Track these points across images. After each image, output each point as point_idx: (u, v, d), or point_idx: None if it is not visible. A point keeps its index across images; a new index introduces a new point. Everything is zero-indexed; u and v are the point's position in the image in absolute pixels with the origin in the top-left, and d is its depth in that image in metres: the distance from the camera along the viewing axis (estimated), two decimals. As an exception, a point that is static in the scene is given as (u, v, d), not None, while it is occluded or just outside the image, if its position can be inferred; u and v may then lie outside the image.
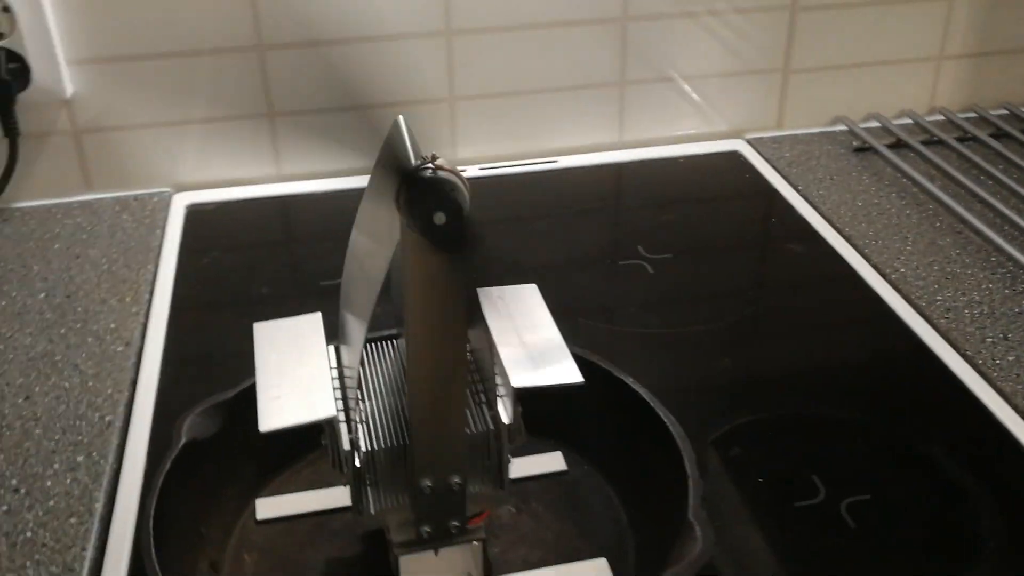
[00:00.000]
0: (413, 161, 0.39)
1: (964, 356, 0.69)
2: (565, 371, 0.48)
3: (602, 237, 0.86)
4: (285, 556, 0.54)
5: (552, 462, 0.60)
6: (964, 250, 0.81)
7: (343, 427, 0.47)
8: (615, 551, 0.55)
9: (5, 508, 0.57)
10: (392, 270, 0.45)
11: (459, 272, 0.40)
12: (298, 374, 0.47)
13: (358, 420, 0.48)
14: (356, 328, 0.48)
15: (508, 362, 0.48)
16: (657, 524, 0.54)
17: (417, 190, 0.38)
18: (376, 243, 0.45)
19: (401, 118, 0.45)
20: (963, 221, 0.84)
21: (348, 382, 0.49)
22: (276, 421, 0.44)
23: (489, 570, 0.53)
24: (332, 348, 0.51)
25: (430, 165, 0.38)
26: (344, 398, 0.48)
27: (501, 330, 0.50)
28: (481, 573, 0.51)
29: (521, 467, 0.59)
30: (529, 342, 0.49)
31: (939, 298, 0.75)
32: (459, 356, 0.43)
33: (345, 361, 0.50)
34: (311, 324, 0.51)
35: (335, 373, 0.49)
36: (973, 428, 0.64)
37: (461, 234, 0.38)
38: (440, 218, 0.38)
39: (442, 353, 0.43)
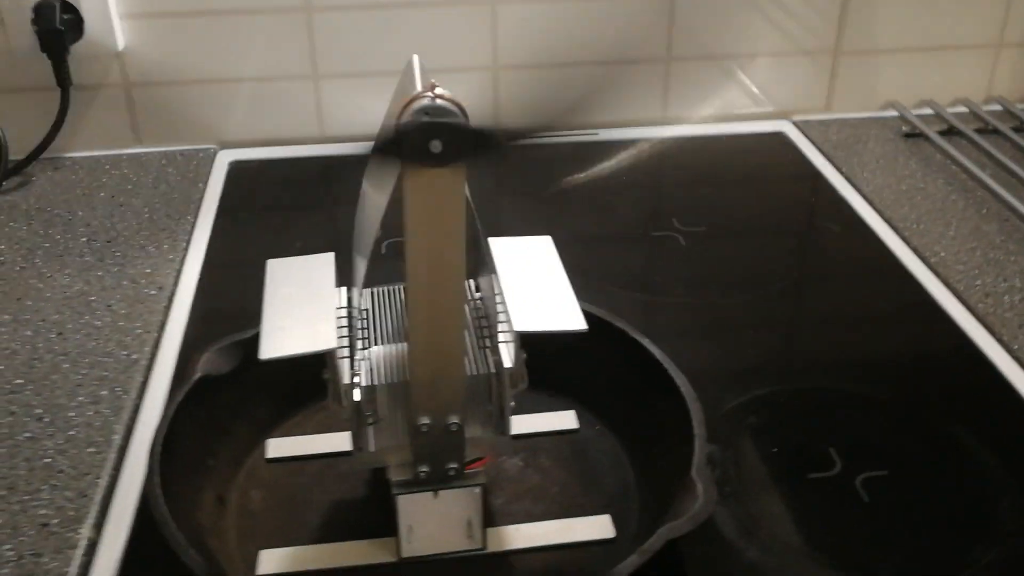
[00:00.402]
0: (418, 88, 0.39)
1: (999, 340, 0.67)
2: (569, 317, 0.47)
3: (637, 209, 0.86)
4: (292, 494, 0.55)
5: (564, 420, 0.60)
6: (1010, 237, 0.79)
7: (345, 363, 0.47)
8: (620, 508, 0.54)
9: (28, 434, 0.59)
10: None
11: (455, 186, 0.40)
12: (304, 309, 0.48)
13: (360, 358, 0.48)
14: (360, 268, 0.48)
15: (513, 306, 0.48)
16: (663, 482, 0.54)
17: (415, 117, 0.38)
18: (378, 182, 0.45)
19: (415, 57, 0.46)
20: (1011, 209, 0.81)
21: (354, 322, 0.49)
22: (277, 349, 0.45)
23: (490, 519, 0.53)
24: (344, 290, 0.51)
25: (429, 93, 0.39)
26: (351, 337, 0.49)
27: (510, 277, 0.50)
28: (481, 520, 0.51)
29: (533, 423, 0.59)
30: (537, 289, 0.49)
31: (978, 283, 0.73)
32: (457, 286, 0.43)
33: (354, 303, 0.50)
34: (323, 263, 0.51)
35: (343, 313, 0.50)
36: (1002, 411, 0.63)
37: (455, 159, 0.38)
38: (436, 147, 0.38)
39: (441, 279, 0.43)
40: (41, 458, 0.57)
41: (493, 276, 0.50)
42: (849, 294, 0.74)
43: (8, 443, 0.58)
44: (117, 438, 0.59)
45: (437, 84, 0.39)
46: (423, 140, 0.38)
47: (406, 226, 0.42)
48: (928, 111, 0.98)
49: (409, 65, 0.45)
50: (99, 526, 0.54)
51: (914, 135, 0.95)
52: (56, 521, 0.53)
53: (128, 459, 0.58)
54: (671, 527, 0.47)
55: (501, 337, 0.48)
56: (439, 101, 0.39)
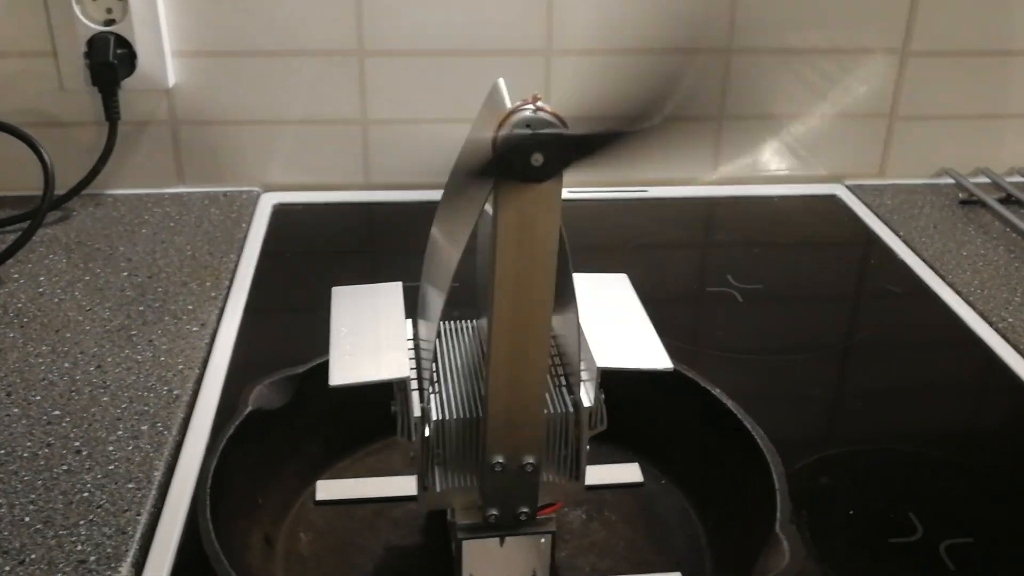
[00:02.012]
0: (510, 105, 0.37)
1: (1077, 409, 0.64)
2: (653, 356, 0.45)
3: (690, 265, 0.84)
4: (342, 539, 0.52)
5: (628, 473, 0.57)
6: (1077, 305, 0.76)
7: (415, 394, 0.44)
8: (690, 565, 0.51)
9: (65, 467, 0.56)
10: (476, 244, 0.43)
11: (552, 204, 0.38)
12: (373, 337, 0.45)
13: (431, 391, 0.45)
14: (435, 301, 0.46)
15: (594, 343, 0.45)
16: (739, 540, 0.50)
17: (515, 130, 0.36)
18: (461, 208, 0.43)
19: (501, 80, 0.44)
20: (1077, 278, 0.79)
21: (424, 353, 0.47)
22: (346, 376, 0.42)
23: (556, 572, 0.50)
24: (410, 321, 0.49)
25: (531, 105, 0.37)
26: (419, 369, 0.46)
27: (589, 313, 0.47)
28: (547, 572, 0.48)
29: (596, 475, 0.56)
30: (618, 327, 0.47)
31: (1049, 349, 0.70)
32: (545, 315, 0.41)
33: (422, 334, 0.48)
34: (390, 292, 0.49)
35: (411, 344, 0.47)
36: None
37: (562, 168, 0.36)
38: (538, 159, 0.36)
39: (528, 307, 0.40)
40: (79, 492, 0.54)
41: (570, 312, 0.47)
42: (918, 356, 0.71)
43: (45, 475, 0.55)
44: (158, 474, 0.56)
45: (540, 97, 0.37)
46: (525, 153, 0.36)
47: (496, 248, 0.39)
48: (983, 179, 0.96)
49: (496, 88, 0.43)
50: (139, 565, 0.50)
51: (971, 202, 0.93)
52: (94, 558, 0.50)
53: (170, 496, 0.55)
54: (758, 585, 0.43)
55: (581, 375, 0.46)
56: (541, 114, 0.37)
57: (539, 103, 0.37)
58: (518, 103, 0.37)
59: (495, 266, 0.39)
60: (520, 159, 0.37)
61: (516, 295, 0.40)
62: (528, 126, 0.37)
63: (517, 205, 0.38)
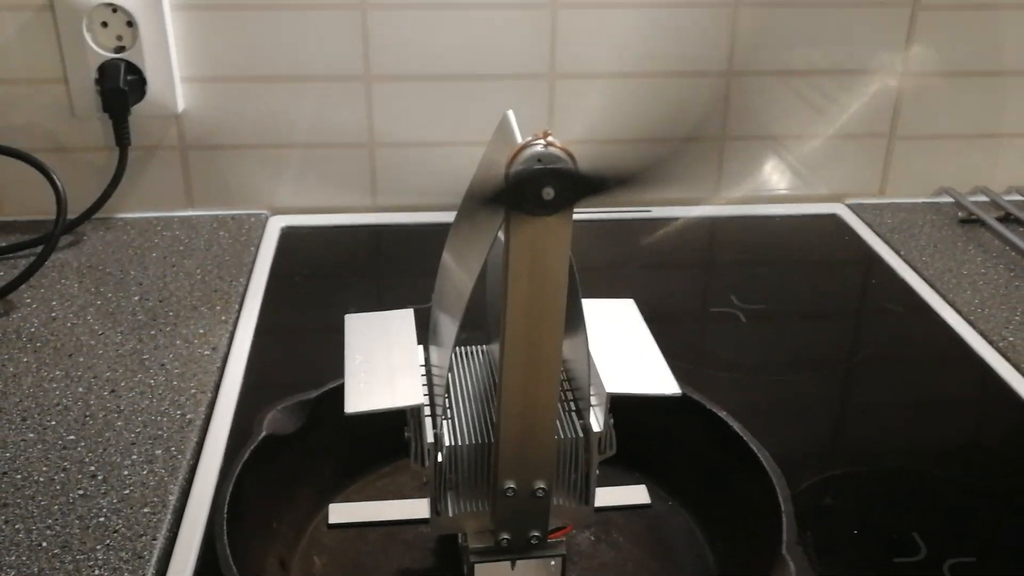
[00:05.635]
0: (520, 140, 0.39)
1: (1077, 427, 0.65)
2: (662, 381, 0.46)
3: (693, 285, 0.85)
4: (355, 562, 0.53)
5: (635, 495, 0.58)
6: (1077, 324, 0.77)
7: (428, 420, 0.45)
8: (698, 587, 0.52)
9: (81, 492, 0.57)
10: (486, 273, 0.44)
11: (562, 235, 0.39)
12: (387, 364, 0.46)
13: (444, 417, 0.46)
14: (448, 328, 0.47)
15: (603, 369, 0.46)
16: (746, 561, 0.51)
17: (527, 164, 0.37)
18: (473, 236, 0.44)
19: (510, 112, 0.45)
20: (1076, 296, 0.80)
21: (437, 380, 0.48)
22: (361, 404, 0.43)
23: (565, 594, 0.50)
24: (422, 348, 0.50)
25: (542, 140, 0.38)
26: (431, 395, 0.47)
27: (598, 339, 0.48)
28: (557, 595, 0.49)
29: (604, 498, 0.57)
30: (626, 352, 0.48)
31: (1050, 368, 0.71)
32: (554, 339, 0.42)
33: (434, 360, 0.49)
34: (403, 319, 0.50)
35: (424, 370, 0.48)
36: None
37: (573, 202, 0.37)
38: (548, 193, 0.37)
39: (538, 334, 0.41)
40: (95, 517, 0.55)
41: (579, 337, 0.48)
42: (919, 375, 0.72)
43: (61, 500, 0.56)
44: (173, 499, 0.57)
45: (550, 132, 0.38)
46: (536, 187, 0.37)
47: (507, 279, 0.40)
48: (982, 198, 0.98)
49: (505, 120, 0.44)
50: (156, 589, 0.51)
51: (970, 221, 0.94)
52: (111, 582, 0.51)
53: (185, 520, 0.56)
54: (766, 607, 0.44)
55: (591, 400, 0.47)
56: (551, 149, 0.38)
57: (549, 138, 0.38)
58: (529, 138, 0.38)
59: (507, 297, 0.40)
60: (532, 192, 0.38)
61: (527, 325, 0.41)
62: (539, 160, 0.38)
63: (528, 237, 0.39)
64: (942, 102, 0.96)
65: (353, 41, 0.87)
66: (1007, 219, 0.93)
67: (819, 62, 0.92)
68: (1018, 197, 0.98)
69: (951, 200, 0.98)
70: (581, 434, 0.46)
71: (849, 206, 0.98)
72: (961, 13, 0.92)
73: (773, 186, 0.97)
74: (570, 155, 0.38)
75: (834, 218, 0.96)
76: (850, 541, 0.56)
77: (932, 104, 0.96)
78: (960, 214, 0.95)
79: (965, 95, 0.95)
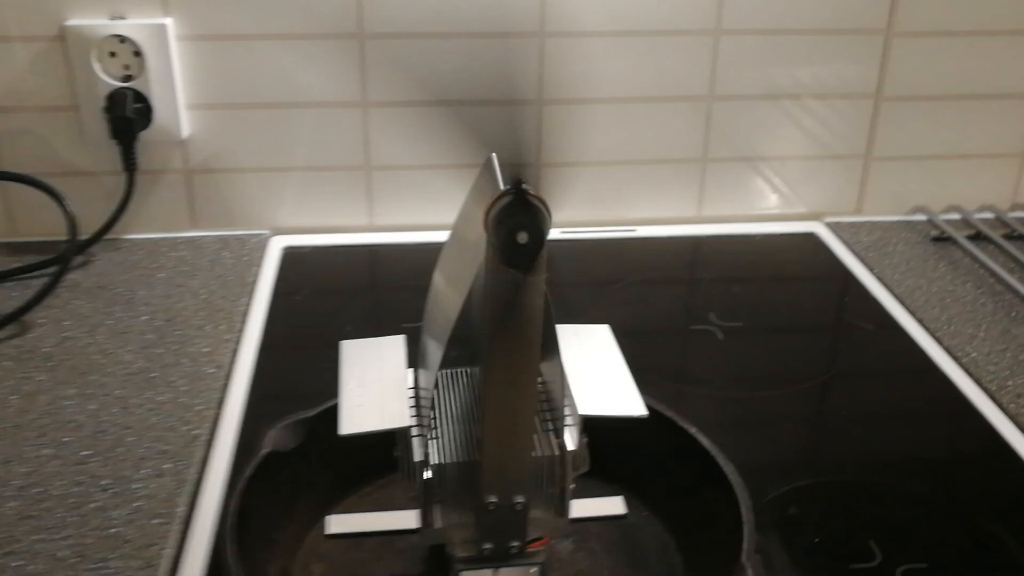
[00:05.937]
0: (504, 186, 0.43)
1: (1032, 440, 0.69)
2: (630, 403, 0.50)
3: (674, 303, 0.89)
4: (352, 570, 0.57)
5: (613, 506, 0.62)
6: (1038, 340, 0.81)
7: (416, 441, 0.49)
8: (668, 593, 0.56)
9: (96, 504, 0.61)
10: (472, 298, 0.48)
11: (534, 290, 0.43)
12: (378, 387, 0.50)
13: (431, 437, 0.50)
14: (434, 352, 0.51)
15: (577, 391, 0.50)
16: (711, 569, 0.55)
17: (507, 207, 0.41)
18: (459, 266, 0.48)
19: (494, 155, 0.49)
20: (1039, 313, 0.84)
21: (424, 402, 0.52)
22: (354, 426, 0.48)
23: (544, 598, 0.54)
24: (411, 371, 0.54)
25: (521, 188, 0.42)
26: (419, 416, 0.51)
27: (573, 363, 0.52)
28: (537, 599, 0.53)
29: (582, 508, 0.61)
30: (599, 376, 0.52)
31: (1009, 384, 0.75)
32: (531, 373, 0.46)
33: (422, 383, 0.53)
34: (394, 345, 0.54)
35: (412, 392, 0.52)
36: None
37: (537, 255, 0.41)
38: (523, 237, 0.41)
39: (516, 369, 0.45)
40: (109, 528, 0.59)
41: (556, 361, 0.52)
42: (885, 391, 0.76)
43: (76, 513, 0.60)
44: (181, 510, 0.61)
45: (524, 181, 0.42)
46: (513, 231, 0.41)
47: (488, 323, 0.44)
48: (955, 216, 1.02)
49: (489, 161, 0.49)
50: (166, 595, 0.55)
51: (942, 239, 0.98)
52: (125, 589, 0.55)
53: (193, 531, 0.60)
54: (725, 610, 0.48)
55: (566, 420, 0.51)
56: (527, 198, 0.42)
57: (524, 186, 0.42)
58: (506, 187, 0.43)
59: (488, 341, 0.44)
60: (507, 234, 0.42)
61: (506, 363, 0.45)
62: (513, 208, 0.42)
63: (506, 292, 0.43)
64: (916, 124, 1.00)
65: (350, 69, 0.91)
66: (977, 237, 0.97)
67: (798, 86, 0.97)
68: (989, 215, 1.02)
69: (924, 218, 1.02)
70: (557, 452, 0.50)
71: (827, 224, 1.02)
72: (933, 40, 0.96)
73: (755, 206, 1.02)
74: (544, 203, 0.42)
75: (812, 236, 1.00)
76: (812, 548, 0.60)
77: (906, 126, 1.00)
78: (933, 232, 0.99)
79: (938, 118, 1.00)
